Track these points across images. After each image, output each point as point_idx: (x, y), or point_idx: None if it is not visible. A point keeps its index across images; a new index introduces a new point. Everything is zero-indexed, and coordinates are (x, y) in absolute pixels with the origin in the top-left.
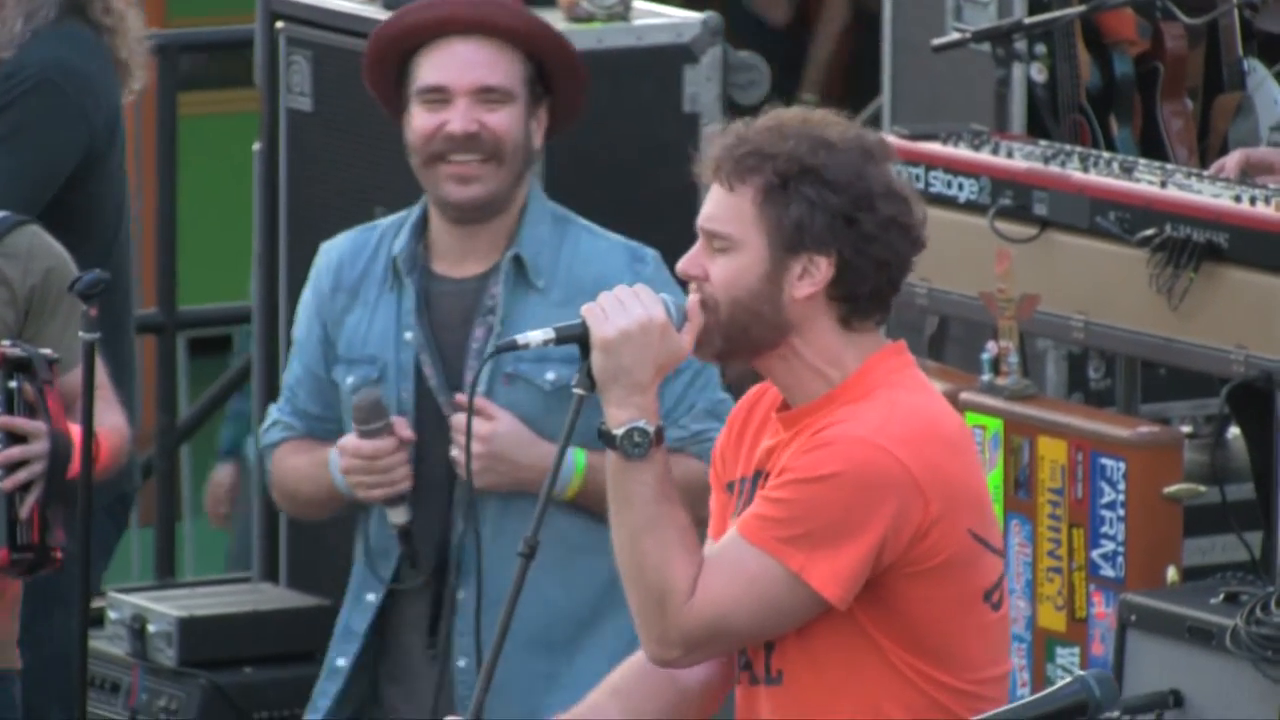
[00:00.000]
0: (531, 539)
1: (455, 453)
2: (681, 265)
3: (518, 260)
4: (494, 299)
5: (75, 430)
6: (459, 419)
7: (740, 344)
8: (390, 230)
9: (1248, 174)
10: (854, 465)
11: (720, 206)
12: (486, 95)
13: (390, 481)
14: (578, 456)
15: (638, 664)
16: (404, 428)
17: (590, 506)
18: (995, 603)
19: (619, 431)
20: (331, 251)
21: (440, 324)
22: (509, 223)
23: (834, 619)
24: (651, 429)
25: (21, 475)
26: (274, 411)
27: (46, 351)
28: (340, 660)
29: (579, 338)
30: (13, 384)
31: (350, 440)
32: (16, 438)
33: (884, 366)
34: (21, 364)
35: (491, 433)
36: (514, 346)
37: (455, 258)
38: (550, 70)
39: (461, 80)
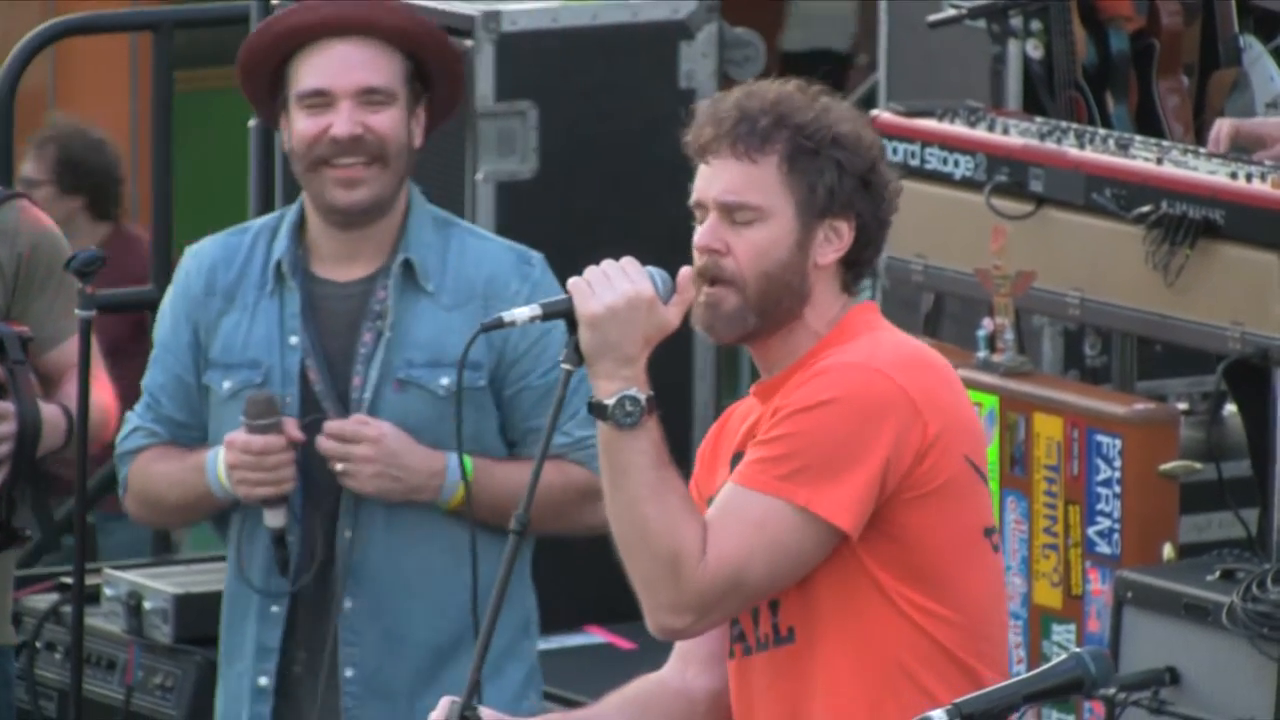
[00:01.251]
0: (523, 515)
1: (340, 465)
2: (703, 239)
3: (407, 264)
4: (381, 303)
5: (50, 409)
6: (334, 424)
7: (771, 317)
8: (264, 233)
9: (1239, 145)
10: (852, 389)
11: (740, 178)
12: (369, 96)
13: (276, 480)
14: (466, 464)
15: (645, 681)
16: (293, 428)
17: (486, 515)
18: (995, 544)
19: (610, 401)
20: (201, 255)
21: (325, 329)
22: (393, 226)
23: (834, 563)
24: (643, 397)
25: None
26: (133, 418)
27: (21, 330)
28: (263, 679)
29: (565, 313)
30: None
31: (240, 435)
32: None
33: (861, 318)
34: None
35: (380, 434)
36: (501, 324)
37: (337, 261)
38: (429, 68)
39: (343, 82)
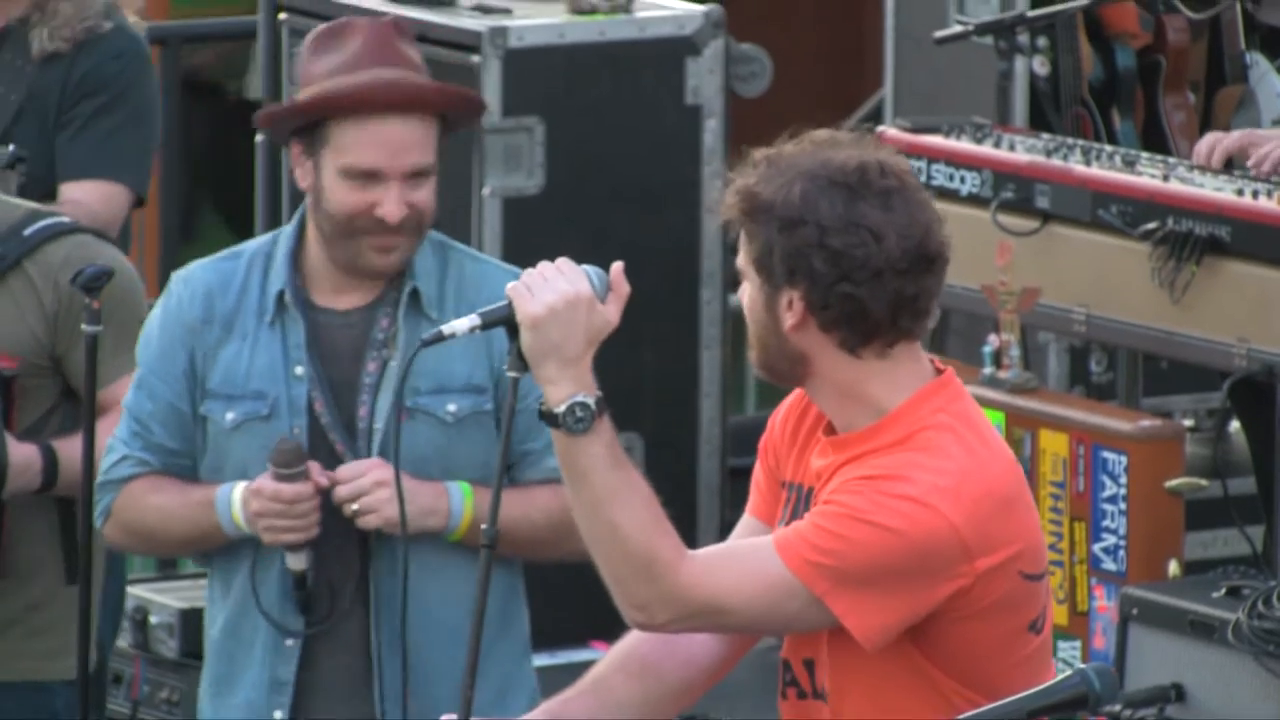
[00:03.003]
0: (490, 530)
1: (355, 506)
2: (739, 293)
3: (414, 293)
4: (385, 331)
5: (22, 450)
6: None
7: (776, 372)
8: (258, 259)
9: (1235, 159)
10: (908, 526)
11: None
12: (416, 174)
13: (305, 527)
14: (465, 495)
15: (645, 642)
16: (319, 473)
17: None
18: (1039, 629)
19: (560, 409)
20: (194, 280)
21: (327, 358)
22: None
23: (888, 648)
24: (592, 400)
25: None
26: (119, 446)
27: (4, 368)
28: (278, 713)
29: (505, 320)
30: None
31: (269, 484)
32: None
33: (929, 404)
34: None
35: (386, 468)
36: (440, 338)
37: (337, 291)
38: (454, 123)
39: (395, 165)
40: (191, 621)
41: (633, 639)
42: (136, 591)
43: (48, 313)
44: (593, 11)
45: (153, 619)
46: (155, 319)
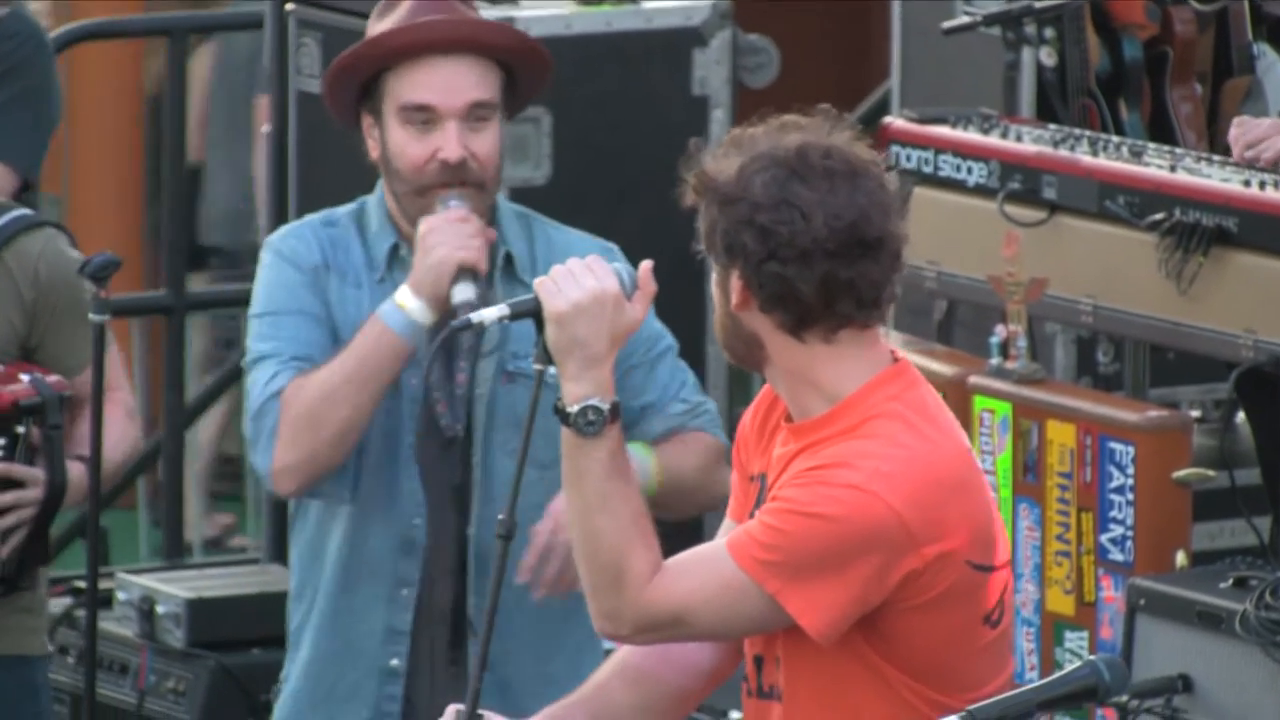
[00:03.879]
0: (508, 520)
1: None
2: None
3: (508, 258)
4: (480, 298)
5: (75, 469)
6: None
7: (735, 355)
8: (350, 223)
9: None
10: (849, 512)
11: None
12: (475, 111)
13: (471, 245)
14: (647, 457)
15: (638, 653)
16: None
17: (671, 504)
18: (995, 621)
19: (574, 409)
20: (304, 236)
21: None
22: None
23: (837, 642)
24: (606, 406)
25: (8, 520)
26: (265, 369)
27: (61, 388)
28: (395, 661)
29: (533, 312)
30: (20, 429)
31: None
32: (13, 481)
33: (882, 392)
34: (33, 409)
35: (557, 531)
36: (469, 326)
37: None
38: (520, 80)
39: (452, 101)
40: (198, 611)
41: (627, 649)
42: (143, 581)
43: (25, 303)
44: (600, 3)
45: (159, 609)
46: (274, 270)
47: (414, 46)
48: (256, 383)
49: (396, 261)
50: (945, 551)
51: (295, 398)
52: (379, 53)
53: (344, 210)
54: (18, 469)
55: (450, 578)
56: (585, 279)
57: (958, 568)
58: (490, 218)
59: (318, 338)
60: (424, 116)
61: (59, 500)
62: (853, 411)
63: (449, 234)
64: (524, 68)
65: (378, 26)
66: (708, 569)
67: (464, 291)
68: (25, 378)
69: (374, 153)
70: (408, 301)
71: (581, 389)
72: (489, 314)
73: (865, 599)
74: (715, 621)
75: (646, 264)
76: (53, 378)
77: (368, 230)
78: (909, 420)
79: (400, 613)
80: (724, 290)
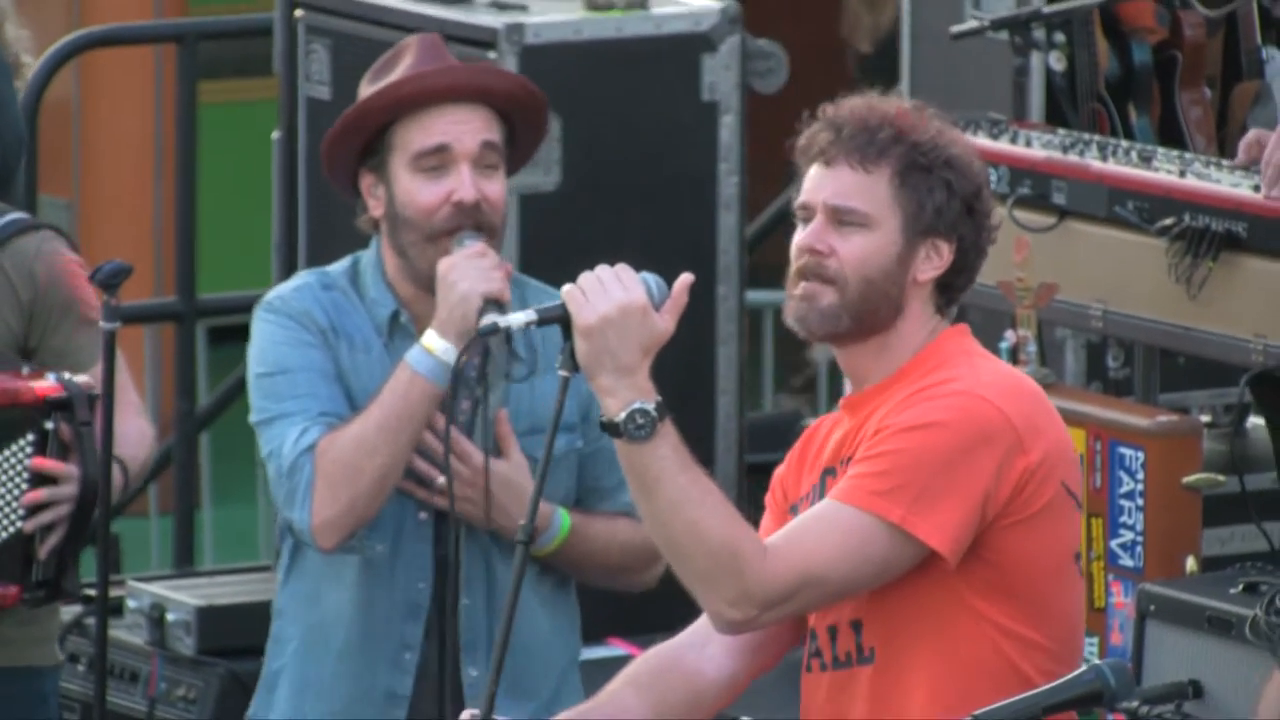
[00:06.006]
0: (529, 525)
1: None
2: (807, 239)
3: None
4: (476, 369)
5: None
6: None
7: (865, 323)
8: (347, 285)
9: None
10: (959, 415)
11: (852, 185)
12: (486, 156)
13: (494, 277)
14: (564, 518)
15: (655, 657)
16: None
17: (565, 564)
18: (1081, 569)
19: (620, 417)
20: (305, 296)
21: None
22: None
23: (929, 588)
24: (651, 406)
25: (45, 517)
26: (292, 429)
27: (89, 386)
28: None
29: (560, 318)
30: (49, 425)
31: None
32: (46, 478)
33: (955, 342)
34: (61, 404)
35: (506, 478)
36: (495, 330)
37: (424, 319)
38: (519, 133)
39: (465, 141)
40: (208, 619)
41: (646, 655)
42: (153, 589)
43: (23, 304)
44: (609, 8)
45: (170, 616)
46: (280, 328)
47: (425, 94)
48: (284, 440)
49: (398, 329)
50: (1046, 457)
51: (329, 451)
52: (386, 103)
53: (338, 270)
54: (50, 464)
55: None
56: (614, 289)
57: (1055, 483)
58: None
59: (337, 394)
60: (437, 161)
61: (94, 497)
62: (932, 356)
63: (470, 269)
64: (525, 118)
65: (374, 86)
66: (823, 524)
67: (490, 313)
68: (52, 376)
69: (376, 211)
70: (434, 344)
71: (622, 398)
72: (516, 319)
73: (984, 508)
74: (845, 573)
75: (686, 278)
76: (81, 377)
77: (365, 294)
78: (987, 355)
79: (401, 677)
80: (905, 261)
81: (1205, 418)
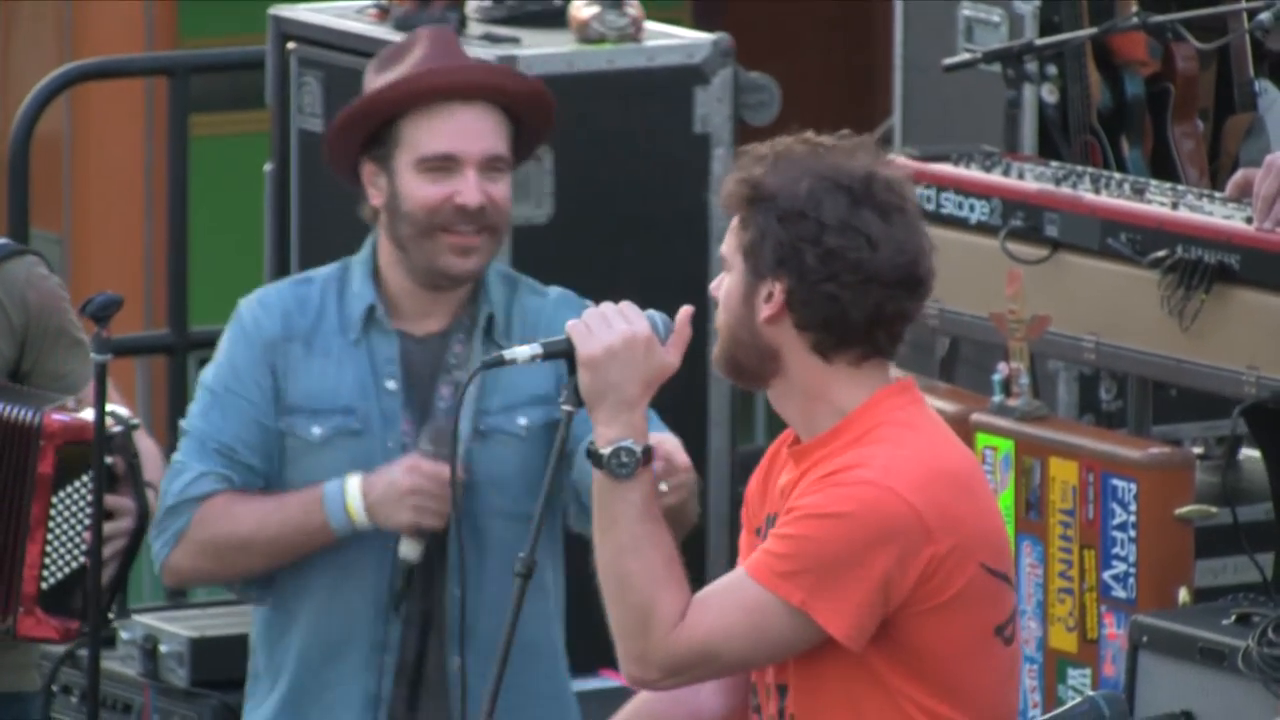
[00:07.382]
0: (528, 558)
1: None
2: (711, 287)
3: (491, 320)
4: (457, 356)
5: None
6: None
7: (738, 368)
8: (330, 284)
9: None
10: (862, 506)
11: (729, 230)
12: (492, 164)
13: (445, 511)
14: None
15: (656, 700)
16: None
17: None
18: (1008, 637)
19: (606, 451)
20: (269, 303)
21: (407, 380)
22: (471, 283)
23: (845, 662)
24: (639, 449)
25: (107, 550)
26: (192, 465)
27: (131, 419)
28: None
29: (565, 353)
30: (109, 459)
31: (428, 462)
32: (105, 512)
33: (889, 403)
34: (113, 439)
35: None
36: (501, 362)
37: (415, 317)
38: (526, 131)
39: (472, 149)
40: (202, 650)
41: (644, 697)
42: (146, 620)
43: (15, 329)
44: (601, 41)
45: (162, 648)
46: (230, 341)
47: (436, 90)
48: (184, 470)
49: (372, 324)
50: (959, 545)
51: (211, 522)
52: (396, 95)
53: (326, 270)
54: (112, 499)
55: (430, 639)
56: (617, 323)
57: (972, 567)
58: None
59: (245, 434)
60: (443, 165)
61: (145, 530)
62: (860, 422)
63: (433, 501)
64: (532, 116)
65: (382, 77)
66: (727, 597)
67: (413, 550)
68: (90, 411)
69: (375, 200)
70: (357, 513)
71: (613, 432)
72: (521, 352)
73: (887, 596)
74: (743, 649)
75: (687, 310)
76: (124, 410)
77: (347, 289)
78: (916, 425)
79: (380, 678)
80: (750, 302)
81: (1198, 450)
